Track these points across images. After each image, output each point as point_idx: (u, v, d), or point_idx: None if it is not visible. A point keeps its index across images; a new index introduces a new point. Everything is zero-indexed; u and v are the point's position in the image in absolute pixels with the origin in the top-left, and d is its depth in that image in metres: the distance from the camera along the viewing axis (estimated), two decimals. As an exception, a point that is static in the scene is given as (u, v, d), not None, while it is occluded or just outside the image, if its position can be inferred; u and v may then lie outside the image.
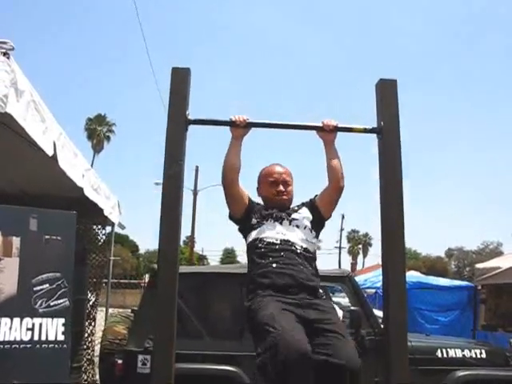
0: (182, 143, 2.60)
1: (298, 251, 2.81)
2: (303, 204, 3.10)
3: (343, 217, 46.32)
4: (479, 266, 12.05)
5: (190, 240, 30.95)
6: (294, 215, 2.98)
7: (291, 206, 3.08)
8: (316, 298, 2.72)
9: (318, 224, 3.02)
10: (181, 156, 2.58)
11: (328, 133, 2.86)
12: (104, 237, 6.16)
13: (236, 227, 3.05)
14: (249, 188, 3.06)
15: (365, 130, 2.78)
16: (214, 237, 60.94)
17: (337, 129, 2.84)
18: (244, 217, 2.96)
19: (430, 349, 4.88)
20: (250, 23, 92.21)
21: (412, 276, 11.87)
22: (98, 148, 48.49)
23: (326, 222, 3.09)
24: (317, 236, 3.01)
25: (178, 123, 2.61)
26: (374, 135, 2.78)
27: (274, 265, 2.73)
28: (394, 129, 2.74)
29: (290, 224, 2.92)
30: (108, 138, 49.69)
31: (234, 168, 2.87)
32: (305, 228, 2.94)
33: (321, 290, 2.83)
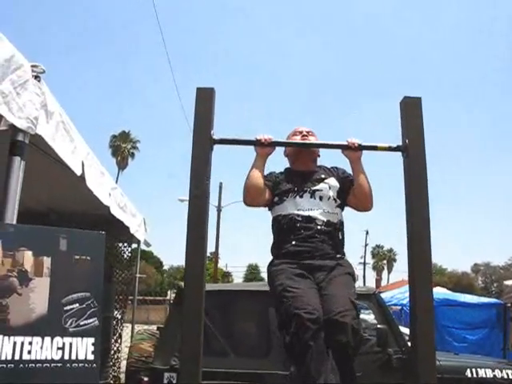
0: (207, 163, 2.62)
1: (319, 227, 2.86)
2: (337, 170, 3.14)
3: (367, 232, 46.02)
4: (508, 282, 11.80)
5: (215, 256, 30.96)
6: (317, 186, 2.99)
7: (320, 172, 3.09)
8: (333, 260, 2.83)
9: (343, 195, 3.03)
10: (206, 175, 2.61)
11: (353, 151, 2.88)
12: (129, 254, 6.21)
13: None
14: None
15: (389, 149, 2.77)
16: (238, 253, 60.94)
17: (361, 147, 2.85)
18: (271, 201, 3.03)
19: (459, 368, 4.78)
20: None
21: (438, 293, 11.67)
22: (122, 164, 49.10)
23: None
24: (342, 205, 3.02)
25: (203, 143, 2.63)
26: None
27: (294, 242, 2.84)
28: (418, 147, 2.72)
29: (311, 196, 2.95)
30: (132, 155, 50.33)
31: (258, 189, 2.93)
32: (328, 199, 2.96)
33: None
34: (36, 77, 2.75)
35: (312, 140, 3.12)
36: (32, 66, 2.72)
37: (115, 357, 5.71)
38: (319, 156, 3.21)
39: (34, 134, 2.76)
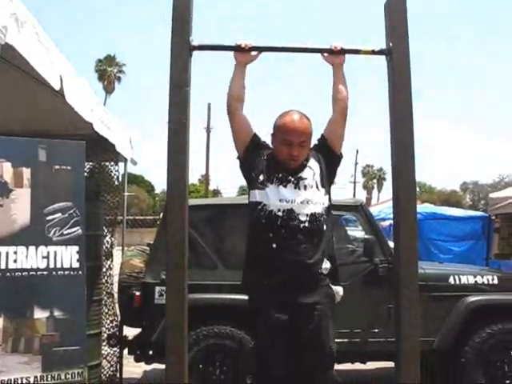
0: (186, 70, 2.56)
1: (301, 226, 2.68)
2: (311, 149, 2.88)
3: (357, 151, 45.96)
4: (493, 195, 12.03)
5: (205, 178, 31.16)
6: (301, 173, 2.79)
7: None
8: (315, 286, 2.74)
9: (330, 168, 2.88)
10: (186, 83, 2.55)
11: (336, 56, 2.80)
12: (118, 174, 6.14)
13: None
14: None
15: (373, 52, 2.72)
16: (229, 175, 61.12)
17: (344, 51, 2.77)
18: (246, 155, 2.85)
19: (442, 276, 4.95)
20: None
21: (426, 207, 11.88)
22: (109, 89, 48.25)
23: (341, 162, 2.94)
24: (328, 188, 2.86)
25: (182, 49, 2.56)
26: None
27: (274, 245, 2.69)
28: (403, 50, 2.67)
29: (295, 187, 2.75)
30: (119, 79, 49.40)
31: (237, 96, 2.81)
32: (312, 187, 2.78)
33: (323, 271, 2.76)
34: (2, -18, 2.60)
35: (303, 151, 2.79)
36: (-2, -29, 2.56)
37: (107, 274, 5.79)
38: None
39: (5, 45, 2.64)
